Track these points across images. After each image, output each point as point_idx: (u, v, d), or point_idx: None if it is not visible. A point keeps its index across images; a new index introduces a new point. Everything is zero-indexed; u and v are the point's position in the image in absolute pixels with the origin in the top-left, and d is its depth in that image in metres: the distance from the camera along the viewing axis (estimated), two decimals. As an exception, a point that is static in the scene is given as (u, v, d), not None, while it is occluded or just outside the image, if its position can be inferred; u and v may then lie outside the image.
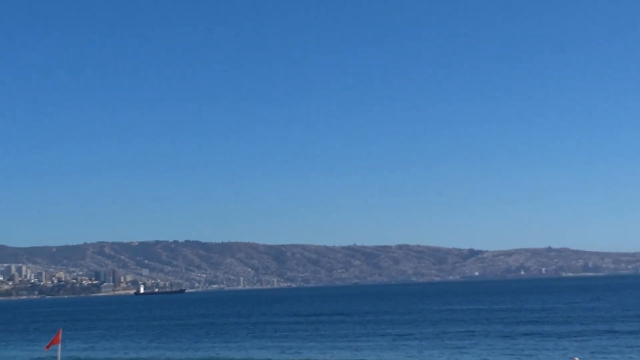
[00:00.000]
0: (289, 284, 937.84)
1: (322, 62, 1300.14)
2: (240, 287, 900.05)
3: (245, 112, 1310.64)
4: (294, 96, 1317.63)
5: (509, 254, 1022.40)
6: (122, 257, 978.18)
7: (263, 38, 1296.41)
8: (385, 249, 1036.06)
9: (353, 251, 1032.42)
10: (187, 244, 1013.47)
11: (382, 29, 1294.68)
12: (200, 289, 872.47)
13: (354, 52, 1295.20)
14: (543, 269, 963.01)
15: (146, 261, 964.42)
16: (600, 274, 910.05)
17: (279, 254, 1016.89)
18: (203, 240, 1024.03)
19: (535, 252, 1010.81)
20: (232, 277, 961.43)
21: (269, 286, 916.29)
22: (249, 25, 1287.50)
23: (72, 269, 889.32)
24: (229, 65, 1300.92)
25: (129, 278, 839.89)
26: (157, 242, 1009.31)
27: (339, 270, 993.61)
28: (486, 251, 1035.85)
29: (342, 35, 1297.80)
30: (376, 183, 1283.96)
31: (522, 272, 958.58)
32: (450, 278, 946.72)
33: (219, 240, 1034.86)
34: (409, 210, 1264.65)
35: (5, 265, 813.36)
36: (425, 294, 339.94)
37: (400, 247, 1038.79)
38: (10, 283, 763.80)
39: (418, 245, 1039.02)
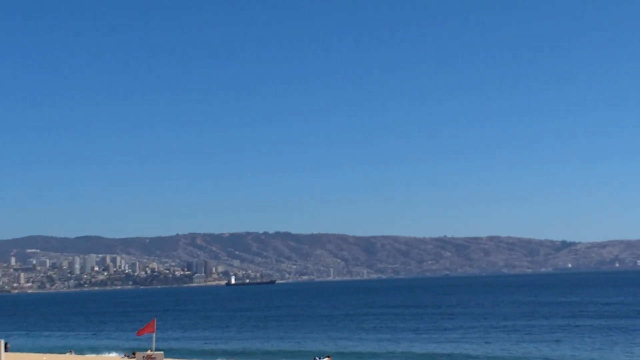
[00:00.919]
0: (378, 276, 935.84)
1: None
2: (330, 279, 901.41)
3: (332, 102, 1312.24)
4: (379, 86, 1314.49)
5: (602, 245, 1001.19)
6: (214, 248, 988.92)
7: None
8: (475, 240, 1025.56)
9: (443, 242, 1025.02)
10: (278, 235, 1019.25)
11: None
12: (290, 280, 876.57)
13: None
14: (638, 261, 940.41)
15: (237, 252, 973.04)
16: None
17: (368, 246, 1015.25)
18: (293, 232, 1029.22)
19: (630, 244, 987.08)
20: (322, 268, 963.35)
21: (358, 277, 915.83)
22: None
23: (165, 260, 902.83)
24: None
25: (220, 269, 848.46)
26: (248, 233, 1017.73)
27: (429, 262, 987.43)
28: (579, 243, 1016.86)
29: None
30: (466, 174, 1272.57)
31: (617, 265, 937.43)
32: (542, 270, 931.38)
33: (309, 232, 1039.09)
34: (500, 201, 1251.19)
35: (100, 256, 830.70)
36: (517, 285, 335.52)
37: (491, 238, 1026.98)
38: (106, 273, 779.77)
39: (509, 237, 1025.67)
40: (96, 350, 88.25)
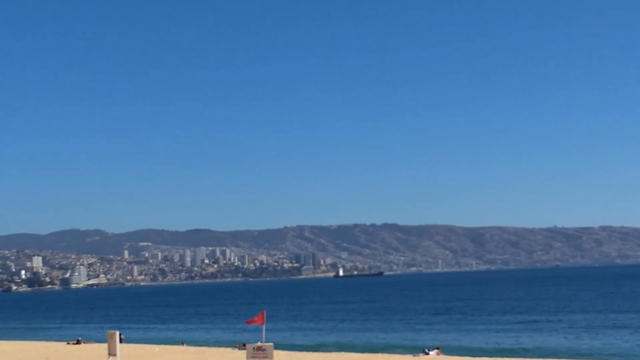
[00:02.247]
0: (487, 267, 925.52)
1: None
2: (438, 270, 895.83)
3: (439, 92, 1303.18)
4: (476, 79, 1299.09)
5: None
6: (322, 241, 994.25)
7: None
8: (587, 230, 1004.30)
9: (554, 233, 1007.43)
10: (385, 226, 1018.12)
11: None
12: (398, 272, 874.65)
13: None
14: None
15: (345, 244, 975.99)
16: None
17: (477, 236, 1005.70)
18: (401, 223, 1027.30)
19: None
20: (430, 259, 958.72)
21: (467, 269, 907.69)
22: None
23: (274, 252, 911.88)
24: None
25: (328, 261, 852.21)
26: (356, 225, 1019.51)
27: (539, 253, 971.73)
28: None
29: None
30: (576, 162, 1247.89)
31: None
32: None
33: (416, 223, 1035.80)
34: (612, 190, 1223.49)
35: (210, 248, 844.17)
36: (631, 276, 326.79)
37: (603, 228, 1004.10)
38: (216, 266, 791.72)
39: (622, 227, 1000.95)
40: (207, 342, 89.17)
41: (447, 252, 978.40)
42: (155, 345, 79.16)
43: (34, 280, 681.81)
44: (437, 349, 70.81)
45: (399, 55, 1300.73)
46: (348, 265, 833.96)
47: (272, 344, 40.85)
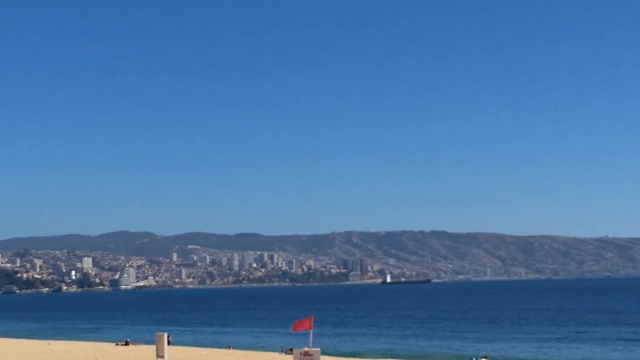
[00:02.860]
0: (536, 276, 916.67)
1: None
2: (486, 278, 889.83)
3: (497, 99, 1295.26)
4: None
5: None
6: (369, 247, 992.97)
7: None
8: (639, 241, 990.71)
9: (604, 243, 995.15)
10: (434, 234, 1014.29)
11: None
12: (446, 280, 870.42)
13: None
14: None
15: (393, 251, 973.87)
16: None
17: (526, 245, 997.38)
18: (449, 231, 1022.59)
19: None
20: (479, 267, 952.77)
21: (516, 277, 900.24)
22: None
23: (321, 258, 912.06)
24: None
25: (376, 267, 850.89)
26: (404, 232, 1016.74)
27: (590, 263, 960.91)
28: None
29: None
30: (628, 171, 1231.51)
31: None
32: None
33: (465, 231, 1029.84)
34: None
35: (258, 253, 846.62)
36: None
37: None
38: (263, 270, 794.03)
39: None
40: (254, 346, 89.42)
41: (496, 260, 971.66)
42: (202, 349, 79.57)
43: (84, 281, 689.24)
44: (485, 358, 70.31)
45: (435, 59, 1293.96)
46: (395, 272, 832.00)
47: (319, 349, 40.82)
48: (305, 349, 41.32)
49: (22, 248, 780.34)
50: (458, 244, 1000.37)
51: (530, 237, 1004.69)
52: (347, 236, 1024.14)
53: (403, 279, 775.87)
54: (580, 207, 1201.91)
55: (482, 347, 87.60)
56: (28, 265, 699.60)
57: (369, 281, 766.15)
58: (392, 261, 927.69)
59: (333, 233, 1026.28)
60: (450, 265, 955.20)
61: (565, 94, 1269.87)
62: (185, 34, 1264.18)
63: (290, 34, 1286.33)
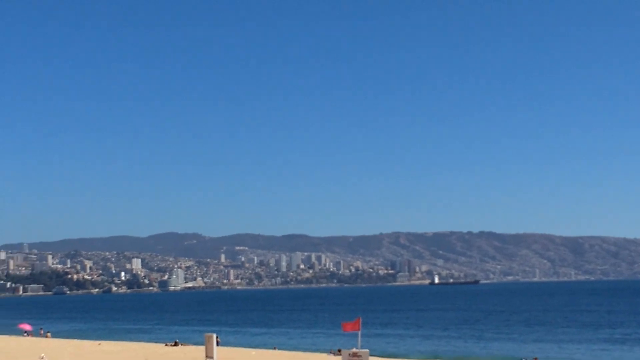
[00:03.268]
0: (587, 277, 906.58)
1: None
2: (535, 279, 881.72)
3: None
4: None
5: None
6: (417, 248, 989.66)
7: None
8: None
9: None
10: (482, 235, 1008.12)
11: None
12: (494, 281, 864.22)
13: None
14: None
15: (440, 252, 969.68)
16: None
17: (576, 246, 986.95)
18: (497, 231, 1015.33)
19: None
20: (528, 268, 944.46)
21: (565, 279, 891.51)
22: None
23: (369, 259, 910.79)
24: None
25: (424, 268, 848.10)
26: (452, 232, 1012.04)
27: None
28: None
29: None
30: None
31: None
32: None
33: (513, 232, 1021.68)
34: None
35: (306, 254, 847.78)
36: None
37: None
38: (311, 271, 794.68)
39: None
40: (302, 347, 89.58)
41: (545, 261, 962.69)
42: (251, 349, 79.90)
43: (133, 282, 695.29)
44: (535, 359, 69.82)
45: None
46: (444, 273, 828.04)
47: (367, 350, 40.84)
48: (354, 350, 41.35)
49: (73, 249, 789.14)
50: (506, 244, 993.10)
51: (580, 237, 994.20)
52: (395, 237, 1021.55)
53: (451, 280, 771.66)
54: (631, 208, 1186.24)
55: (532, 348, 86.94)
56: (78, 267, 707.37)
57: (417, 282, 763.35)
58: (440, 262, 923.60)
59: (381, 234, 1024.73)
60: (499, 266, 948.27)
61: (623, 88, 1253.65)
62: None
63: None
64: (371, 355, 40.87)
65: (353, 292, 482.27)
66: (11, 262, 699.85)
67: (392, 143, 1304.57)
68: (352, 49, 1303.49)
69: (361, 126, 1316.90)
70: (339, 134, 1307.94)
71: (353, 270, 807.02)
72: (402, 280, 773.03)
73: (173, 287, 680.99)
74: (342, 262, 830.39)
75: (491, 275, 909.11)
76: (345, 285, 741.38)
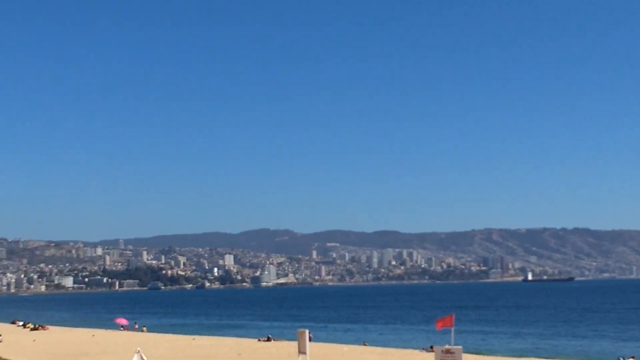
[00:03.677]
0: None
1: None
2: (633, 277, 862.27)
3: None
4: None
5: None
6: (510, 244, 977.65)
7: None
8: None
9: None
10: (576, 231, 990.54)
11: None
12: (590, 278, 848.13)
13: None
14: None
15: (534, 248, 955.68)
16: None
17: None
18: (592, 228, 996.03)
19: None
20: (624, 265, 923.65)
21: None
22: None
23: (460, 255, 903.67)
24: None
25: (516, 265, 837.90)
26: (545, 229, 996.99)
27: None
28: None
29: None
30: None
31: None
32: None
33: (609, 228, 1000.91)
34: None
35: (397, 250, 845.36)
36: None
37: None
38: (402, 268, 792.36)
39: None
40: (394, 344, 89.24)
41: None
42: (343, 345, 79.95)
43: (226, 277, 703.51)
44: (633, 358, 68.21)
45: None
46: (537, 270, 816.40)
47: (460, 347, 40.40)
48: (447, 346, 40.98)
49: (167, 245, 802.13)
50: (602, 241, 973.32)
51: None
52: (487, 233, 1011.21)
53: (545, 277, 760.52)
54: None
55: (630, 347, 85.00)
56: (172, 262, 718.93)
57: (510, 279, 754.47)
58: (533, 259, 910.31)
59: (473, 230, 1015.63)
60: (594, 263, 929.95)
61: None
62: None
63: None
64: (464, 352, 40.42)
65: (445, 288, 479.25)
66: (107, 258, 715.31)
67: (483, 138, 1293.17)
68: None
69: (450, 121, 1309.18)
70: (429, 130, 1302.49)
71: (445, 266, 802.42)
72: (494, 277, 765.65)
73: (265, 283, 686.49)
74: (433, 258, 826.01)
75: (586, 273, 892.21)
76: (437, 281, 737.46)
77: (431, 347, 63.97)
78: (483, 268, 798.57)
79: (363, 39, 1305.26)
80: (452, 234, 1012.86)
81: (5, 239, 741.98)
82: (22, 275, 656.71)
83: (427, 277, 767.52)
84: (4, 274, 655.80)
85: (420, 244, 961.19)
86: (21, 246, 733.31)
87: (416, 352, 72.14)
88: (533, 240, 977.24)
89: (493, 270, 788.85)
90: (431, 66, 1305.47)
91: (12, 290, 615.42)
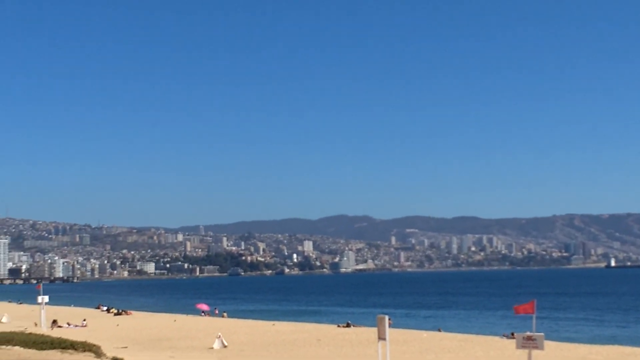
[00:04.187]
0: None
1: None
2: None
3: None
4: None
5: None
6: (592, 230, 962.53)
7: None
8: None
9: None
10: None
11: None
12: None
13: None
14: None
15: (617, 234, 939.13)
16: None
17: None
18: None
19: None
20: None
21: None
22: None
23: (541, 241, 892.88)
24: None
25: (599, 251, 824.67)
26: (629, 214, 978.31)
27: None
28: None
29: None
30: None
31: None
32: None
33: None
34: None
35: (477, 236, 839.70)
36: None
37: None
38: (482, 253, 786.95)
39: None
40: (472, 330, 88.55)
41: None
42: (422, 331, 79.61)
43: (305, 264, 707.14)
44: None
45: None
46: (620, 256, 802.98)
47: (542, 334, 39.82)
48: (528, 333, 40.45)
49: (247, 232, 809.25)
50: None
51: None
52: (569, 219, 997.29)
53: (629, 263, 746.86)
54: None
55: None
56: (252, 249, 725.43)
57: (592, 265, 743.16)
58: (616, 245, 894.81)
59: (554, 216, 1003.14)
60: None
61: None
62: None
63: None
64: (546, 339, 39.82)
65: (525, 274, 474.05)
66: (188, 244, 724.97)
67: (565, 121, 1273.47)
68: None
69: (531, 104, 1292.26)
70: (512, 114, 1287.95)
71: (525, 252, 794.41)
72: (576, 263, 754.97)
73: (344, 269, 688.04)
74: (514, 244, 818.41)
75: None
76: (517, 268, 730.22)
77: (512, 334, 63.29)
78: (565, 254, 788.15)
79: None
80: (532, 219, 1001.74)
81: (89, 226, 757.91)
82: (106, 261, 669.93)
83: (507, 263, 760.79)
84: (88, 259, 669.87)
85: (500, 230, 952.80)
86: (104, 232, 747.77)
87: (497, 338, 71.41)
88: (616, 225, 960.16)
89: (575, 256, 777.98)
90: (526, 44, 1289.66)
91: (96, 276, 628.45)
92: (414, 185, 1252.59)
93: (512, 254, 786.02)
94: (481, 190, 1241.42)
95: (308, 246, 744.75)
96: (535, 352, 38.79)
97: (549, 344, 53.95)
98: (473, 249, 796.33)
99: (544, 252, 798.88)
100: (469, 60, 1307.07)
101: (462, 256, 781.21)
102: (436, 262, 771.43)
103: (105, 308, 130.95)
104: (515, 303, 49.43)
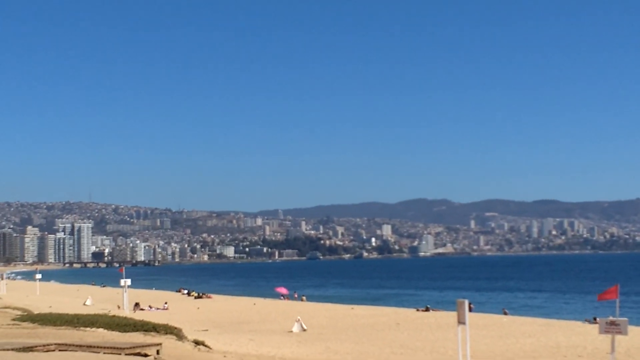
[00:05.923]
0: None
1: None
2: None
3: None
4: None
5: None
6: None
7: None
8: None
9: None
10: None
11: None
12: None
13: None
14: None
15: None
16: None
17: None
18: None
19: None
20: None
21: None
22: None
23: (625, 225, 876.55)
24: None
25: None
26: None
27: None
28: None
29: None
30: None
31: None
32: None
33: None
34: None
35: (558, 220, 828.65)
36: None
37: None
38: (563, 237, 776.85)
39: None
40: (554, 314, 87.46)
41: None
42: (502, 316, 78.92)
43: (384, 247, 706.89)
44: None
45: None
46: None
47: (626, 319, 39.08)
48: (611, 318, 39.76)
49: (325, 216, 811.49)
50: None
51: None
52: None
53: None
54: None
55: None
56: (330, 232, 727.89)
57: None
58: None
59: (638, 199, 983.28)
60: None
61: None
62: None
63: None
64: (630, 324, 39.10)
65: (608, 259, 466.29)
66: (267, 228, 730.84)
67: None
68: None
69: (613, 84, 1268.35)
70: (589, 94, 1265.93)
71: (608, 236, 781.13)
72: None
73: (423, 253, 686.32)
74: (596, 228, 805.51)
75: None
76: (600, 252, 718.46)
77: (595, 319, 62.27)
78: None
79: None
80: (616, 202, 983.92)
81: (170, 210, 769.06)
82: (186, 245, 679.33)
83: (589, 247, 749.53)
84: (169, 243, 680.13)
85: (582, 213, 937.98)
86: (185, 217, 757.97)
87: (579, 323, 70.38)
88: None
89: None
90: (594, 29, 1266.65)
91: (177, 260, 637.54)
92: (493, 168, 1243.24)
93: (595, 238, 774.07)
94: (562, 173, 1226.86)
95: (387, 230, 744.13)
96: (618, 338, 38.08)
97: (633, 329, 52.99)
98: (554, 232, 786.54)
99: (627, 236, 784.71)
100: (548, 41, 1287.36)
101: (543, 240, 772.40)
102: (516, 246, 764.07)
103: (186, 291, 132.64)
104: (598, 288, 48.56)
